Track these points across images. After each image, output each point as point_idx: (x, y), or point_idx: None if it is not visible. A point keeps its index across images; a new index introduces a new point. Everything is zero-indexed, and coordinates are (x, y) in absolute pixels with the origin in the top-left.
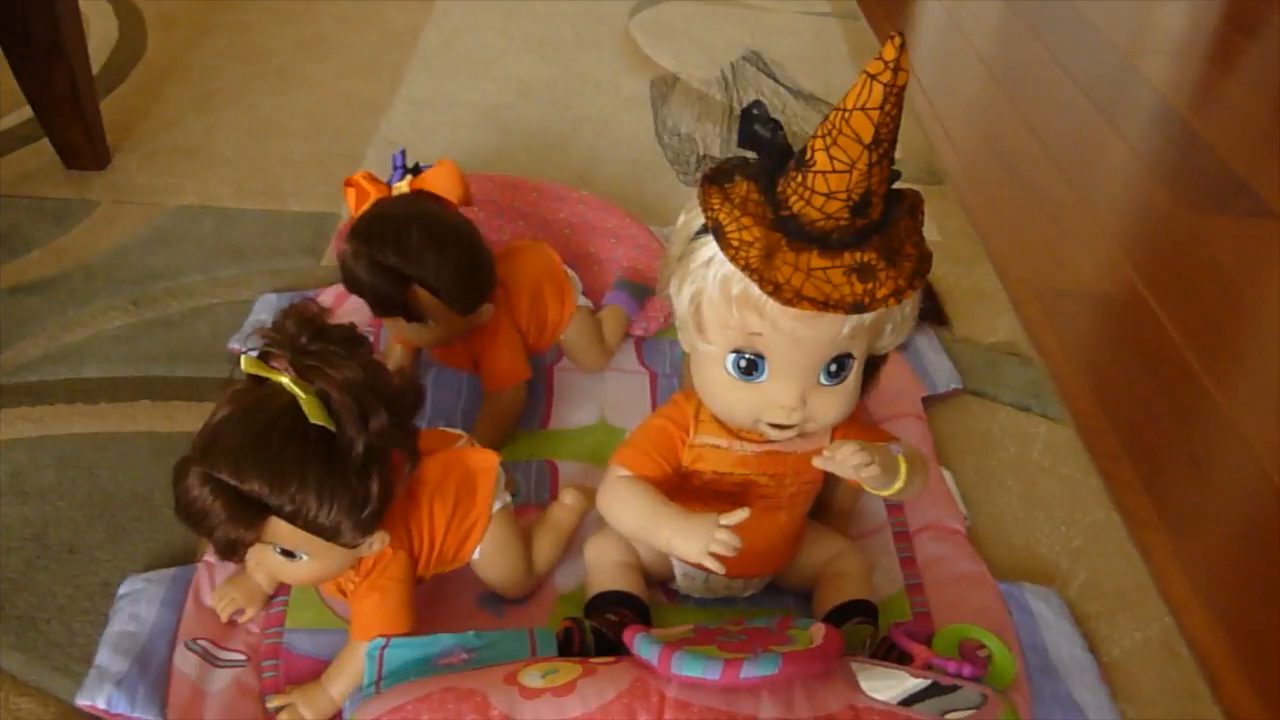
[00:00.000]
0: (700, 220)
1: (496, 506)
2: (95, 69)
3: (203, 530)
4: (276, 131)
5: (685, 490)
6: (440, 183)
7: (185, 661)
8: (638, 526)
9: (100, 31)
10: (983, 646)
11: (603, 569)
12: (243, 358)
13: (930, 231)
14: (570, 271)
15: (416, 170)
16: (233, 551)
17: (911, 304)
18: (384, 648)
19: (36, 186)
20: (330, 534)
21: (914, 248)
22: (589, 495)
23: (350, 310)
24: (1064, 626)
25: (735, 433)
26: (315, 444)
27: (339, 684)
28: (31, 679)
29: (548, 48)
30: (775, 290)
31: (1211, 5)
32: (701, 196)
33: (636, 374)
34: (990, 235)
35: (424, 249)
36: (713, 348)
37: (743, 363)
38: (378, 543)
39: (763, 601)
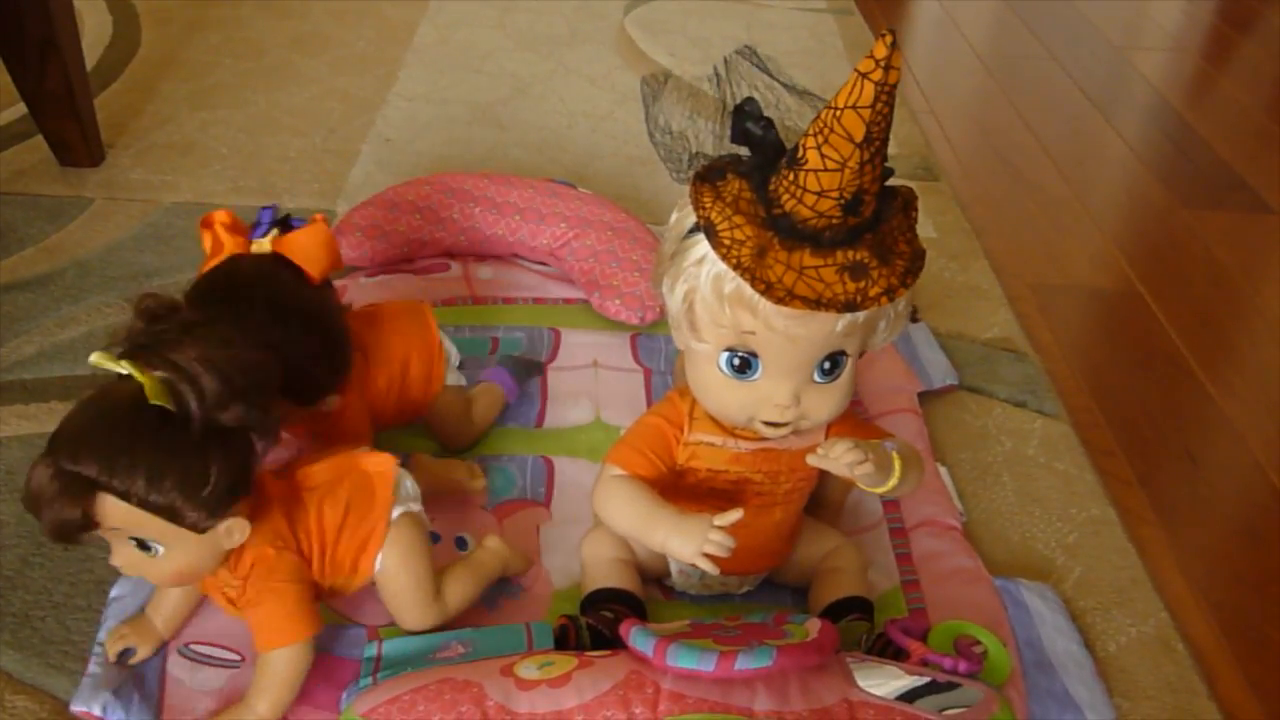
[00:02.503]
0: (692, 219)
1: (397, 513)
2: (89, 65)
3: (37, 512)
4: (271, 128)
5: (680, 488)
6: (305, 248)
7: (178, 666)
8: (632, 526)
9: (94, 28)
10: (978, 643)
11: (598, 566)
12: (92, 354)
13: (925, 228)
14: (447, 343)
15: (286, 225)
16: (64, 534)
17: (905, 301)
18: (382, 642)
19: (31, 183)
20: (168, 513)
21: (907, 245)
22: (516, 556)
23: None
24: (1060, 622)
25: (730, 430)
26: (150, 422)
27: (264, 700)
28: (27, 677)
29: (543, 43)
30: (767, 289)
31: (1207, 1)
32: (693, 195)
33: (631, 372)
34: (986, 231)
35: (265, 331)
36: (706, 346)
37: (736, 361)
38: (237, 532)
39: (759, 598)
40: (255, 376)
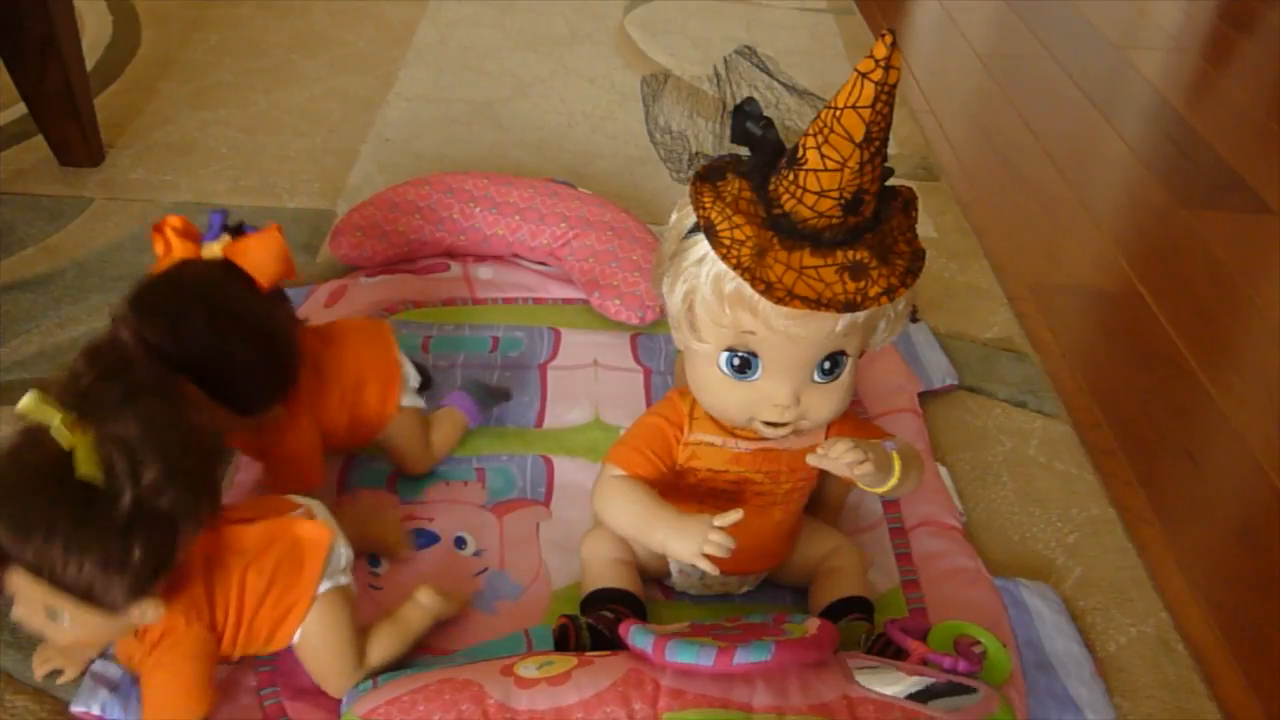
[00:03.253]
0: (692, 219)
1: (325, 587)
2: (89, 65)
3: None
4: (271, 128)
5: (680, 488)
6: (257, 256)
7: None
8: (632, 527)
9: (94, 28)
10: (978, 643)
11: (598, 566)
12: (25, 396)
13: (926, 227)
14: (406, 366)
15: (239, 231)
16: None
17: (905, 301)
18: None
19: (31, 183)
20: (82, 595)
21: (907, 245)
22: (449, 600)
23: (345, 308)
24: (1060, 622)
25: (730, 430)
26: (74, 495)
27: None
28: (27, 677)
29: (543, 43)
30: (767, 289)
31: (1207, 1)
32: (693, 195)
33: (631, 371)
34: (986, 231)
35: (202, 337)
36: (706, 346)
37: (736, 361)
38: (150, 612)
39: (759, 598)
40: (199, 458)
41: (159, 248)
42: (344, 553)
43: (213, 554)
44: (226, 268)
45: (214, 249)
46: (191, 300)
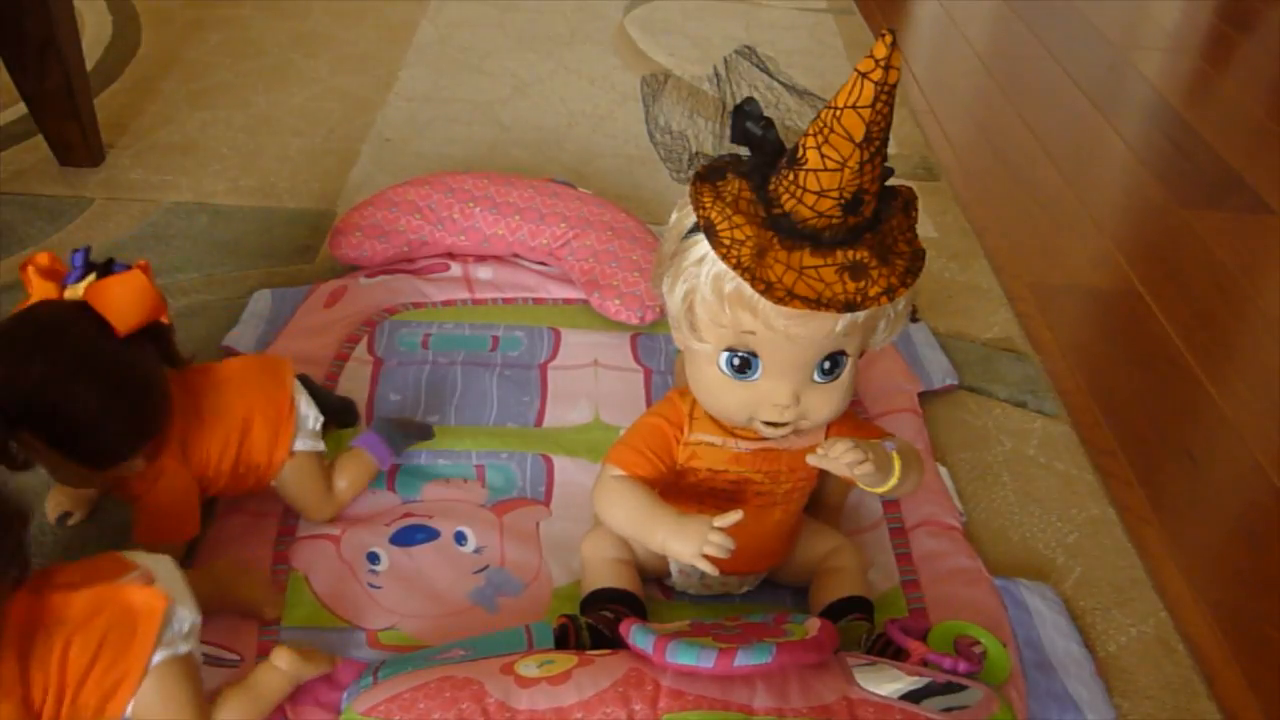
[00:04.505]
0: (692, 218)
1: (160, 657)
2: (89, 65)
3: None
4: (271, 128)
5: (680, 488)
6: (116, 298)
7: None
8: (632, 527)
9: (94, 27)
10: (978, 643)
11: (598, 566)
12: None
13: (926, 227)
14: (304, 406)
15: (108, 269)
16: None
17: (905, 301)
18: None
19: (31, 183)
20: None
21: (907, 245)
22: (311, 660)
23: (345, 308)
24: (1060, 622)
25: (730, 430)
26: None
27: None
28: None
29: (543, 43)
30: (767, 289)
31: (1207, 1)
32: (693, 195)
33: (631, 372)
34: (986, 231)
35: (39, 384)
36: (706, 346)
37: (736, 361)
38: None
39: (759, 598)
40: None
41: (27, 285)
42: (187, 618)
43: (30, 624)
44: (81, 310)
45: (77, 290)
46: (32, 346)
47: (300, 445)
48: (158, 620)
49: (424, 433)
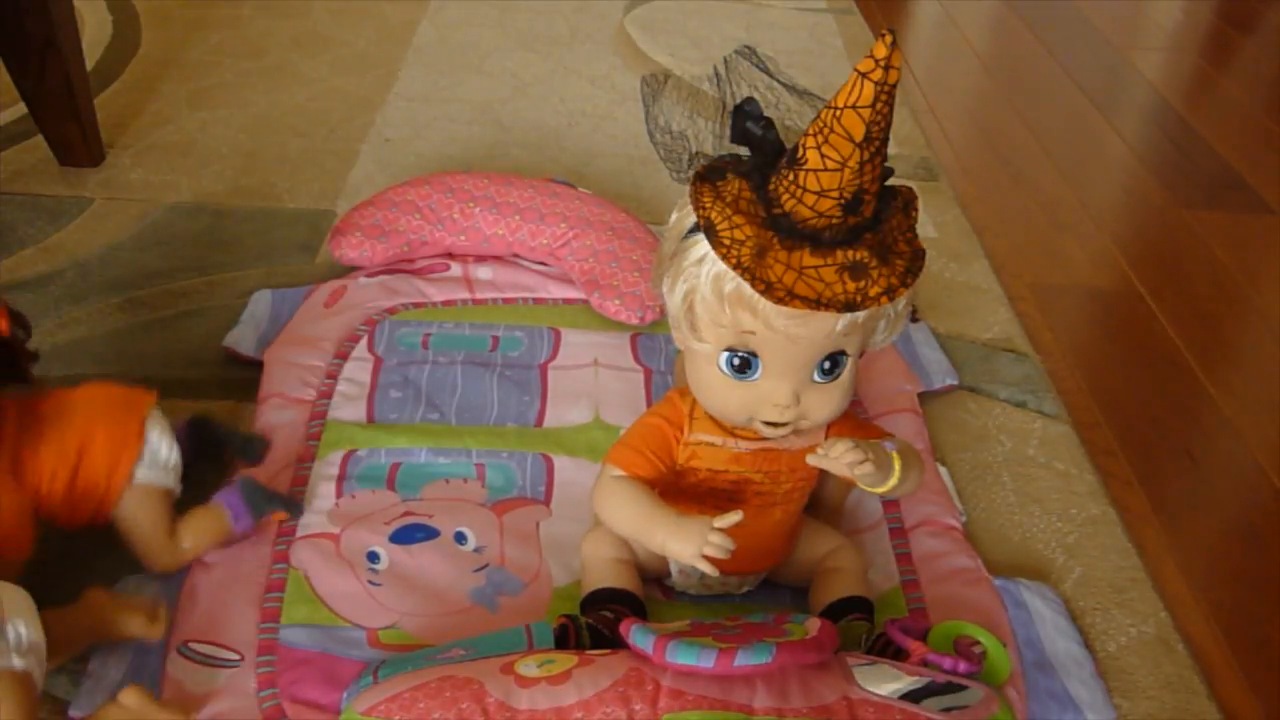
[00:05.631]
0: (692, 218)
1: None
2: (89, 65)
3: None
4: (271, 128)
5: (680, 488)
6: None
7: (177, 667)
8: (631, 527)
9: (94, 27)
10: (978, 643)
11: (598, 566)
12: None
13: (925, 227)
14: (156, 440)
15: None
16: None
17: (905, 301)
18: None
19: (30, 183)
20: None
21: (907, 245)
22: (161, 707)
23: (345, 308)
24: (1059, 622)
25: (730, 430)
26: None
27: None
28: None
29: (543, 43)
30: (767, 289)
31: (1207, 1)
32: (693, 195)
33: (631, 372)
34: (986, 231)
35: None
36: (706, 346)
37: (736, 361)
38: None
39: (759, 598)
40: None
41: None
42: (23, 633)
43: None
44: None
45: None
46: None
47: (143, 475)
48: None
49: (291, 506)
